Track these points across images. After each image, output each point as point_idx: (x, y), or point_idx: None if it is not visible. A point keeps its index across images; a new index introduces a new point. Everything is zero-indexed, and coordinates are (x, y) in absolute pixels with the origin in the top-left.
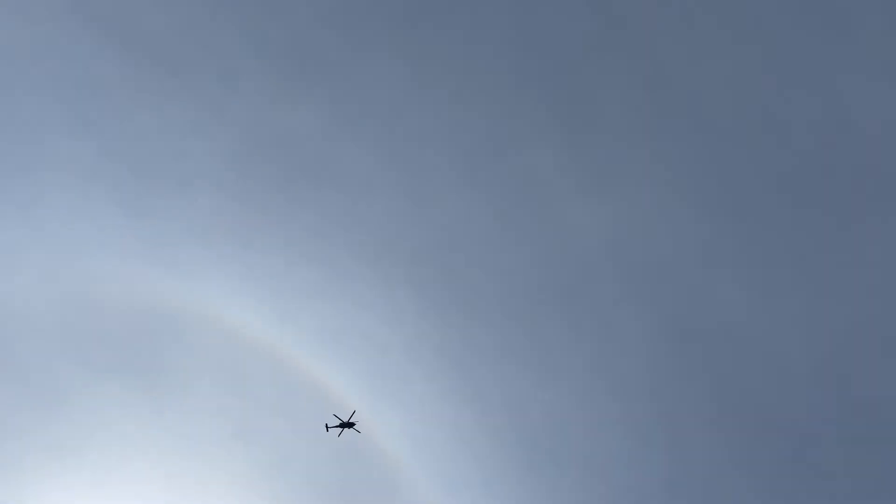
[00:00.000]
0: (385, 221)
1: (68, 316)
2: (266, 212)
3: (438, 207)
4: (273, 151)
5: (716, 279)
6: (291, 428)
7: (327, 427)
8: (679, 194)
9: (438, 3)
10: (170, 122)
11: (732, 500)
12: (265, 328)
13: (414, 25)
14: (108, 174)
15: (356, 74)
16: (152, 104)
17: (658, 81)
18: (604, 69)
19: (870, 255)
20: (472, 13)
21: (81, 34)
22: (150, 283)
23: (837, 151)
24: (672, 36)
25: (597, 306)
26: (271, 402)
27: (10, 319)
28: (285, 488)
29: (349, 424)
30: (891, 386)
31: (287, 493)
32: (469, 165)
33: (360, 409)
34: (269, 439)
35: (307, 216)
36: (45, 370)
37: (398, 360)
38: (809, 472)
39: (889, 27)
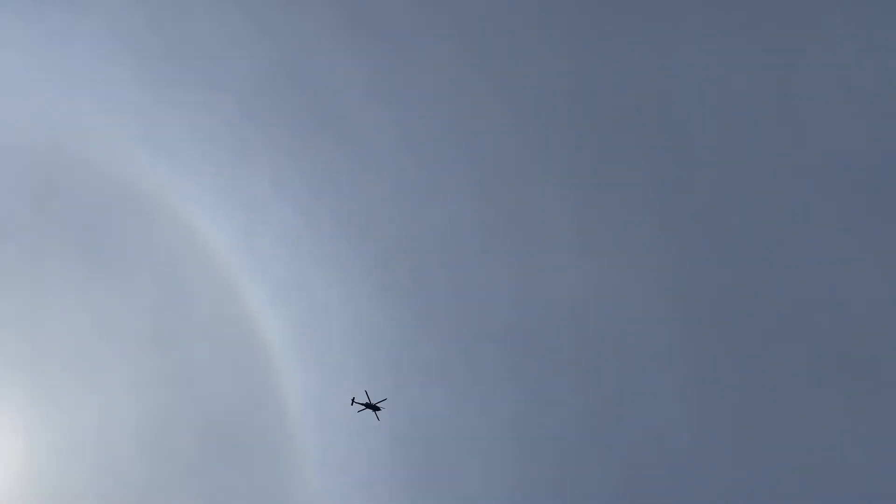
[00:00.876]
0: (379, 202)
1: (45, 163)
2: (274, 143)
3: (432, 209)
4: (304, 89)
5: (661, 372)
6: (208, 351)
7: (353, 401)
8: (660, 279)
9: (502, 29)
10: (219, 26)
11: None
12: (225, 249)
13: (471, 35)
14: (144, 47)
15: (407, 54)
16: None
17: (681, 170)
18: (633, 142)
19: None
20: (528, 50)
21: None
22: (137, 161)
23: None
24: (708, 136)
25: (543, 357)
26: (201, 320)
27: None
28: (180, 406)
29: (375, 407)
30: None
31: (179, 411)
32: (476, 184)
33: (280, 366)
34: (183, 354)
35: (310, 165)
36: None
37: (331, 334)
38: None
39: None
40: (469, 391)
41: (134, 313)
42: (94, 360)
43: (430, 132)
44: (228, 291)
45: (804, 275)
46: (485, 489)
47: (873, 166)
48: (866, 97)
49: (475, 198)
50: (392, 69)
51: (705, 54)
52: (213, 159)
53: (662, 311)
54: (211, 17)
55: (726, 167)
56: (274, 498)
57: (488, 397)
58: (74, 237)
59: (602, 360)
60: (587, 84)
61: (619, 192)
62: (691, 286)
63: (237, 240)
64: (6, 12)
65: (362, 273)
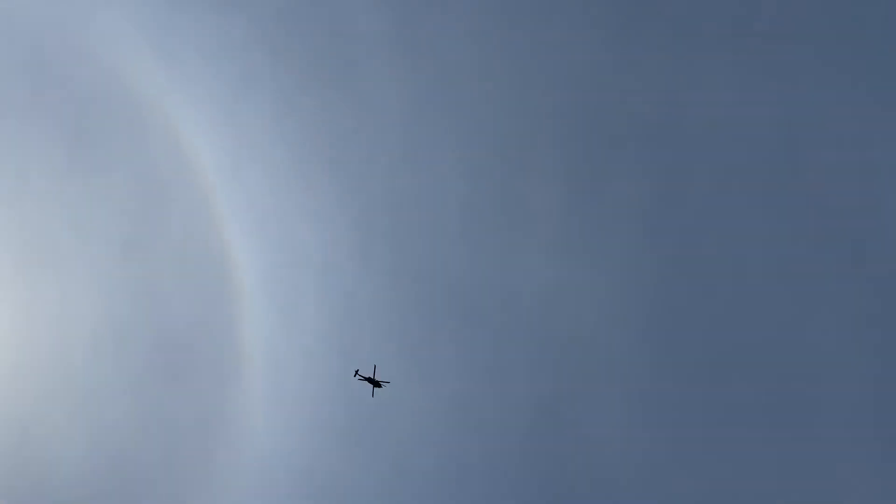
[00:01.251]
0: (373, 158)
1: (47, 46)
2: (278, 78)
3: (424, 178)
4: (319, 29)
5: (612, 380)
6: (175, 268)
7: (356, 372)
8: (630, 291)
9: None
10: None
11: None
12: (211, 172)
13: (497, 14)
14: None
15: (433, 17)
16: None
17: (673, 188)
18: (632, 152)
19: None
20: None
21: None
22: (140, 65)
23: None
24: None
25: (500, 345)
26: (174, 237)
27: None
28: (137, 317)
29: (376, 384)
30: None
31: (136, 322)
32: (471, 162)
33: (244, 297)
34: (149, 267)
35: (311, 107)
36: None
37: (300, 276)
38: None
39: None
40: (421, 360)
41: (108, 217)
42: (61, 254)
43: (438, 101)
44: (207, 214)
45: (771, 311)
46: (415, 452)
47: (872, 221)
48: (874, 137)
49: (468, 176)
50: (414, 29)
51: (717, 78)
52: (215, 81)
53: (626, 322)
54: None
55: (719, 192)
56: (213, 424)
57: (439, 370)
58: (63, 127)
59: (558, 358)
60: (598, 88)
61: (610, 199)
62: (659, 302)
63: (224, 166)
64: None
65: (342, 224)
